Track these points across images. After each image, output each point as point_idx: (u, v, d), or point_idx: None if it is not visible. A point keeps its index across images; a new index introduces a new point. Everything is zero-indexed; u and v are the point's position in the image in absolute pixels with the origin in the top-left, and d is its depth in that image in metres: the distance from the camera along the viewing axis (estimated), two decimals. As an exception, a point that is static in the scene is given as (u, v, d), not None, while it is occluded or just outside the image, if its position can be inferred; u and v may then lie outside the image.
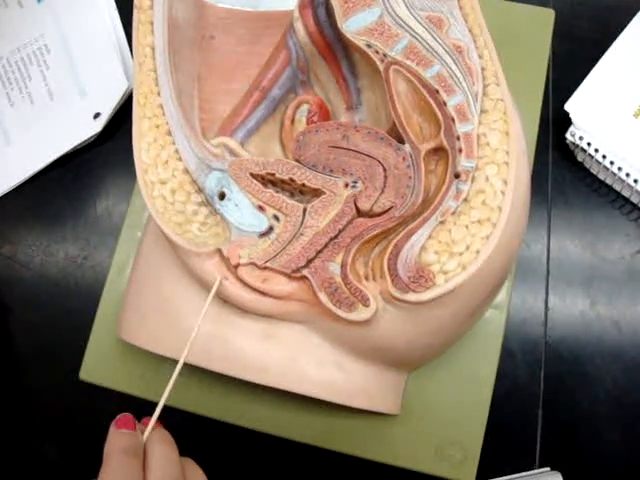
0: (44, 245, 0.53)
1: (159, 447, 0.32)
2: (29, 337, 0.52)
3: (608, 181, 0.49)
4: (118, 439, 0.31)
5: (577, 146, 0.48)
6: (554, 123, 0.50)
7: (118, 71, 0.54)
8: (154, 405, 0.45)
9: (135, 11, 0.42)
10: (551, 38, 0.50)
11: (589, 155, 0.48)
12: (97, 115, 0.53)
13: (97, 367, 0.47)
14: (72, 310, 0.51)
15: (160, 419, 0.33)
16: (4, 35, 0.58)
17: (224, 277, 0.37)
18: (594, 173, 0.49)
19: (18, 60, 0.57)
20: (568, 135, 0.48)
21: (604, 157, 0.47)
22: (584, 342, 0.47)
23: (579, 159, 0.50)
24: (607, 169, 0.47)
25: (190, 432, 0.43)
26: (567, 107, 0.48)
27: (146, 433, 0.32)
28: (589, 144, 0.47)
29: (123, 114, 0.54)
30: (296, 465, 0.47)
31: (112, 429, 0.32)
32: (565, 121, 0.48)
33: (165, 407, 0.46)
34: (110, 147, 0.54)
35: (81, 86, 0.55)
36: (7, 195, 0.55)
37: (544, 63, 0.50)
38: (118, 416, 0.32)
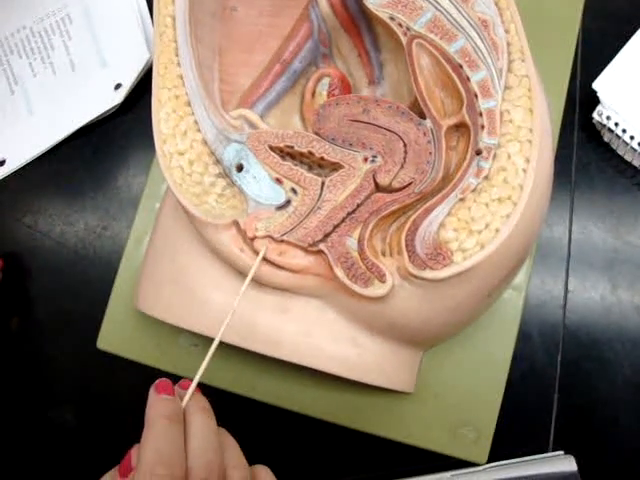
0: (64, 215, 0.54)
1: (199, 415, 0.32)
2: (48, 304, 0.52)
3: (635, 163, 0.48)
4: (160, 405, 0.31)
5: (604, 126, 0.47)
6: (581, 102, 0.49)
7: (139, 42, 0.54)
8: (169, 375, 0.46)
9: (156, -20, 0.41)
10: (582, 13, 0.49)
11: (616, 136, 0.47)
12: (118, 86, 0.53)
13: (114, 336, 0.48)
14: (91, 279, 0.52)
15: (198, 386, 0.33)
16: (27, 5, 0.58)
17: (240, 249, 0.37)
18: (620, 154, 0.48)
19: (41, 30, 0.57)
20: (595, 115, 0.47)
21: (632, 138, 0.46)
22: (603, 327, 0.46)
23: (605, 140, 0.48)
24: (634, 151, 0.46)
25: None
26: (595, 85, 0.47)
27: (185, 400, 0.32)
28: (616, 124, 0.46)
29: (144, 85, 0.53)
30: (307, 439, 0.47)
31: (153, 395, 0.32)
32: (592, 100, 0.47)
33: (178, 377, 0.46)
34: (131, 118, 0.54)
35: (102, 57, 0.55)
36: (28, 165, 0.55)
37: (573, 39, 0.48)
38: (157, 381, 0.32)
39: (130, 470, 0.30)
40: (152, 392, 0.32)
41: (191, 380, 0.34)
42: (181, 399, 0.32)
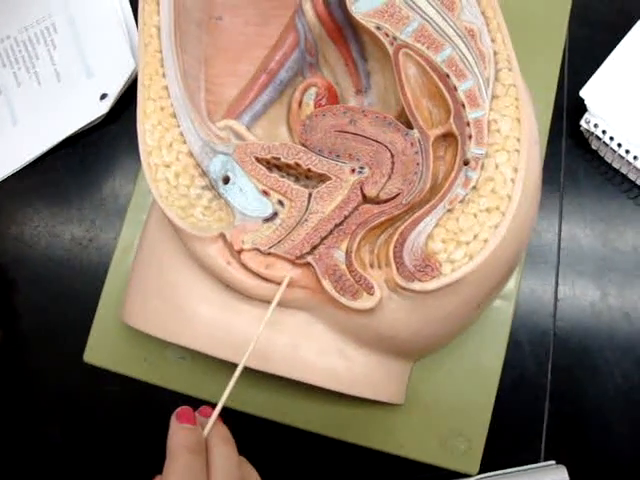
0: (50, 226, 0.53)
1: (222, 447, 0.32)
2: (34, 317, 0.52)
3: (622, 170, 0.48)
4: (182, 435, 0.31)
5: (592, 134, 0.47)
6: (569, 109, 0.49)
7: (125, 52, 0.53)
8: (156, 388, 0.46)
9: (141, -10, 0.41)
10: (568, 22, 0.49)
11: (604, 143, 0.47)
12: (104, 96, 0.53)
13: (101, 350, 0.47)
14: (77, 291, 0.51)
15: (219, 415, 0.33)
16: (12, 14, 0.58)
17: (227, 262, 0.36)
18: (608, 161, 0.48)
19: (25, 39, 0.57)
20: (583, 122, 0.47)
21: (619, 145, 0.46)
22: (594, 334, 0.46)
23: (593, 147, 0.48)
24: (622, 158, 0.46)
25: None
26: (582, 93, 0.47)
27: (207, 429, 0.32)
28: (604, 132, 0.46)
29: (130, 95, 0.53)
30: (297, 452, 0.47)
31: (174, 423, 0.31)
32: (580, 108, 0.47)
33: (168, 392, 0.46)
34: (117, 128, 0.54)
35: (88, 66, 0.54)
36: (14, 175, 0.54)
37: (560, 48, 0.48)
38: (179, 409, 0.32)
39: None
40: (173, 420, 0.31)
41: (212, 407, 0.33)
42: (202, 426, 0.32)
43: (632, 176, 0.47)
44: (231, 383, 0.33)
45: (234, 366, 0.38)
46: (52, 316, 0.51)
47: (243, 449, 0.47)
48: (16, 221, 0.54)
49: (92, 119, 0.53)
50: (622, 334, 0.46)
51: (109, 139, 0.54)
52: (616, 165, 0.48)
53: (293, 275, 0.36)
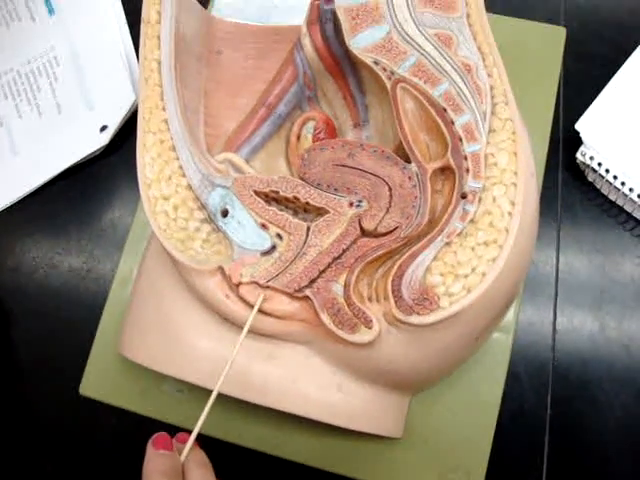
0: (48, 257, 0.53)
1: (197, 471, 0.31)
2: (31, 348, 0.51)
3: (619, 202, 0.48)
4: (157, 461, 0.31)
5: (588, 166, 0.47)
6: (564, 142, 0.50)
7: (126, 84, 0.54)
8: (153, 421, 0.45)
9: (142, 25, 0.41)
10: (562, 56, 0.49)
11: (600, 175, 0.47)
12: (104, 128, 0.53)
13: (97, 382, 0.47)
14: (74, 323, 0.51)
15: (196, 440, 0.33)
16: (15, 47, 0.59)
17: (225, 295, 0.36)
18: (605, 194, 0.48)
19: (28, 72, 0.57)
20: (578, 155, 0.47)
21: (615, 178, 0.46)
22: (593, 366, 0.46)
23: (589, 179, 0.49)
24: (618, 190, 0.47)
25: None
26: (578, 126, 0.47)
27: (183, 454, 0.32)
28: (600, 164, 0.47)
29: (130, 127, 0.53)
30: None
31: (150, 450, 0.31)
32: (576, 141, 0.47)
33: (166, 425, 0.45)
34: (116, 160, 0.54)
35: (89, 99, 0.55)
36: (13, 206, 0.55)
37: (555, 82, 0.49)
38: (155, 436, 0.32)
39: None
40: (149, 447, 0.31)
41: (188, 433, 0.33)
42: (179, 452, 0.32)
43: (628, 208, 0.48)
44: (207, 406, 0.33)
45: (231, 399, 0.38)
46: (49, 347, 0.51)
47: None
48: (14, 251, 0.54)
49: (92, 151, 0.53)
50: (621, 366, 0.46)
51: (109, 171, 0.54)
52: (612, 197, 0.48)
53: (292, 309, 0.36)
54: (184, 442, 0.32)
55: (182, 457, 0.32)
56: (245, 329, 0.35)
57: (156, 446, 0.31)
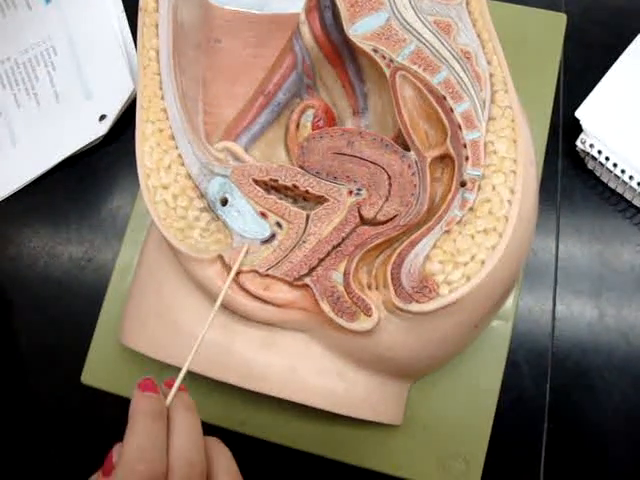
0: (48, 247, 0.53)
1: (182, 413, 0.31)
2: (32, 338, 0.52)
3: (619, 190, 0.48)
4: (143, 402, 0.31)
5: (587, 154, 0.47)
6: (564, 130, 0.50)
7: (124, 73, 0.54)
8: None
9: (140, 14, 0.41)
10: (563, 43, 0.49)
11: (599, 163, 0.47)
12: (103, 117, 0.53)
13: (99, 371, 0.47)
14: (75, 312, 0.51)
15: (182, 384, 0.33)
16: (12, 36, 0.58)
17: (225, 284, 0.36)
18: (604, 181, 0.48)
19: (26, 61, 0.57)
20: (578, 142, 0.47)
21: (615, 165, 0.46)
22: (592, 354, 0.46)
23: (589, 167, 0.49)
24: (618, 178, 0.47)
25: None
26: (578, 114, 0.47)
27: (169, 398, 0.32)
28: (600, 152, 0.46)
29: (129, 116, 0.53)
30: (296, 473, 0.46)
31: (136, 392, 0.32)
32: (576, 128, 0.47)
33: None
34: (115, 149, 0.54)
35: (87, 88, 0.55)
36: (12, 196, 0.55)
37: (555, 69, 0.49)
38: (141, 379, 0.32)
39: (112, 468, 0.29)
40: (136, 390, 0.32)
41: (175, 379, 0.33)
42: (165, 397, 0.32)
43: (628, 196, 0.48)
44: (193, 351, 0.33)
45: (234, 388, 0.38)
46: (50, 337, 0.51)
47: (240, 469, 0.46)
48: (14, 241, 0.54)
49: (91, 140, 0.53)
50: (620, 354, 0.46)
51: (108, 160, 0.54)
52: (612, 185, 0.48)
53: (292, 297, 0.36)
54: (171, 387, 0.33)
55: (167, 401, 0.32)
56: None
57: (142, 388, 0.32)
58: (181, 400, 0.32)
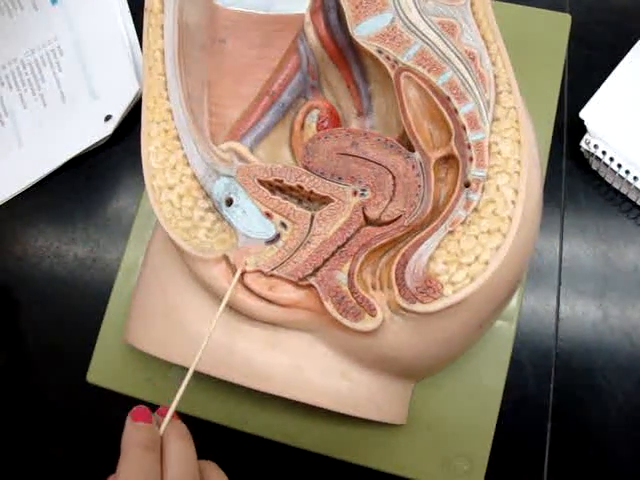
0: (54, 246, 0.53)
1: (176, 443, 0.31)
2: (38, 337, 0.52)
3: (623, 190, 0.48)
4: (135, 433, 0.31)
5: (592, 154, 0.47)
6: (568, 130, 0.50)
7: (130, 74, 0.54)
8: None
9: (146, 14, 0.41)
10: (567, 44, 0.49)
11: (604, 164, 0.47)
12: (108, 117, 0.53)
13: (104, 370, 0.47)
14: (81, 311, 0.51)
15: (176, 413, 0.33)
16: (19, 37, 0.59)
17: (230, 283, 0.36)
18: (609, 182, 0.48)
19: (32, 62, 0.57)
20: (583, 143, 0.47)
21: (619, 166, 0.46)
22: (595, 354, 0.46)
23: (593, 167, 0.49)
24: (622, 178, 0.47)
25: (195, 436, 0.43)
26: (582, 114, 0.47)
27: (162, 428, 0.32)
28: (604, 152, 0.47)
29: (134, 117, 0.54)
30: (300, 472, 0.46)
31: (128, 422, 0.31)
32: (580, 129, 0.47)
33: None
34: (121, 149, 0.54)
35: (93, 88, 0.55)
36: (18, 196, 0.55)
37: (559, 69, 0.49)
38: (134, 409, 0.32)
39: None
40: (128, 420, 0.31)
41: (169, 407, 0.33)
42: (159, 426, 0.32)
43: (632, 196, 0.48)
44: (187, 378, 0.33)
45: (239, 388, 0.38)
46: (55, 336, 0.51)
47: (243, 470, 0.47)
48: (20, 241, 0.54)
49: (97, 140, 0.54)
50: (624, 354, 0.46)
51: (113, 160, 0.54)
52: (616, 185, 0.48)
53: (296, 297, 0.36)
54: (164, 415, 0.32)
55: (161, 430, 0.31)
56: (225, 300, 0.35)
57: (135, 418, 0.31)
58: (175, 429, 0.32)
